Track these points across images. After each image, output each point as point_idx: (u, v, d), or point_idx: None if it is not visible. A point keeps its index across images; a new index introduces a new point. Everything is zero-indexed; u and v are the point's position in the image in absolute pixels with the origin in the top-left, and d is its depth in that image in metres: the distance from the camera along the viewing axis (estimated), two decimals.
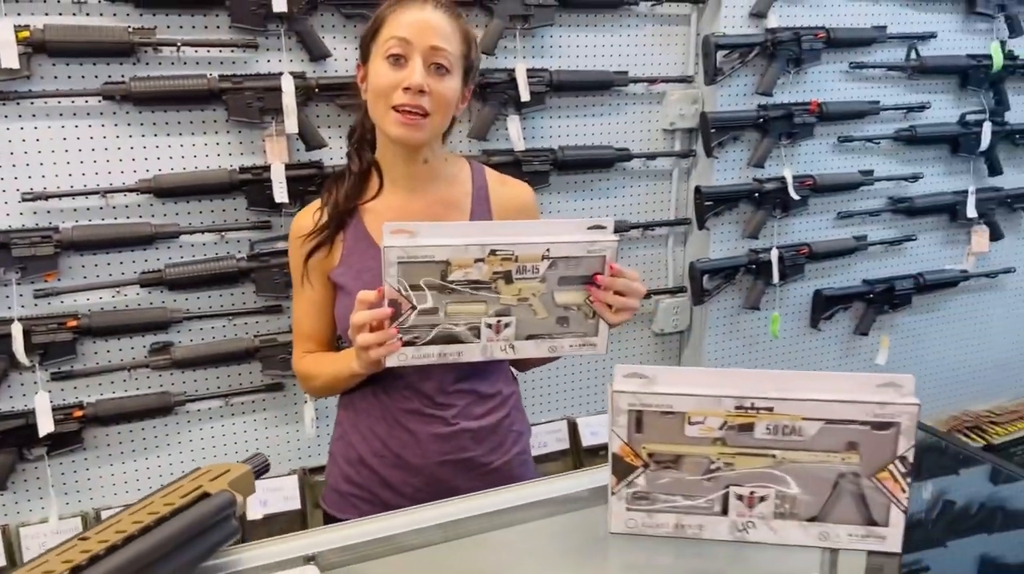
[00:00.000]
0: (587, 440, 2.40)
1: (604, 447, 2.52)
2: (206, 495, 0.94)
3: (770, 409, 0.96)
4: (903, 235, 2.69)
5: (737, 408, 0.97)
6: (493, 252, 1.16)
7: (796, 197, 2.43)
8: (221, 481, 0.97)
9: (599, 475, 1.10)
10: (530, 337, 1.22)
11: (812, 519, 1.00)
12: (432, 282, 1.17)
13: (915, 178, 2.64)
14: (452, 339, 1.21)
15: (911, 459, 0.95)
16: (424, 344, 1.20)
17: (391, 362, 1.21)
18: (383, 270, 1.14)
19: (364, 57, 1.34)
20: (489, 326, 1.20)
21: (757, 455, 0.98)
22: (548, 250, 1.17)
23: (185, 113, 1.88)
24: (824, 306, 2.61)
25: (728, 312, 2.52)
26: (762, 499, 0.99)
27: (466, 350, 1.22)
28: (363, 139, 1.38)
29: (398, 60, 1.25)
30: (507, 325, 1.21)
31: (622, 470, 1.01)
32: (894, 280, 2.68)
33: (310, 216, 1.38)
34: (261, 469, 1.03)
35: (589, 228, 1.17)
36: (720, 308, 2.50)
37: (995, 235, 2.81)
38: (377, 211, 1.36)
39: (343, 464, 1.42)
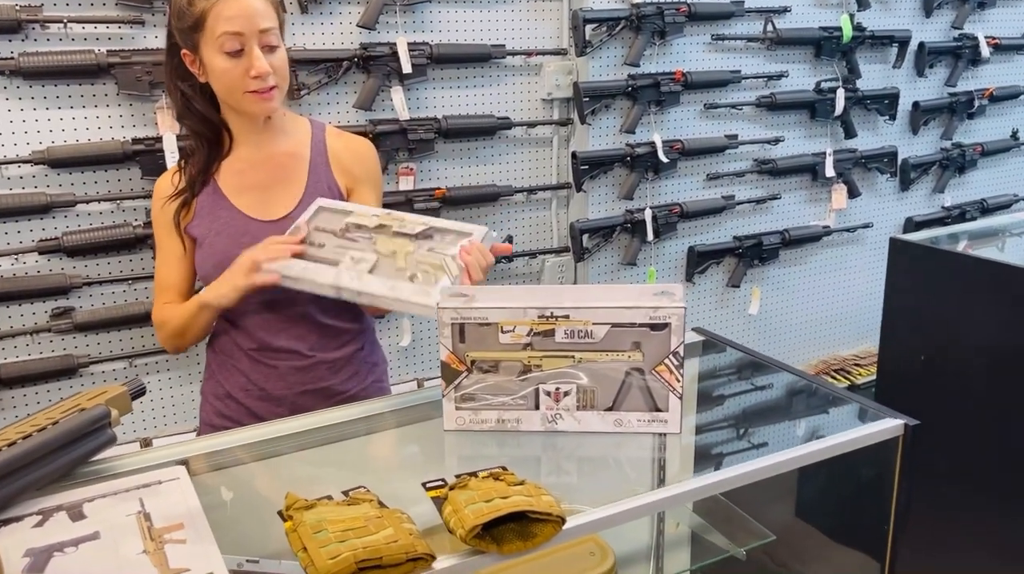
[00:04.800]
0: None
1: None
2: (83, 410, 1.08)
3: (567, 317, 1.15)
4: (768, 194, 2.93)
5: (540, 317, 1.15)
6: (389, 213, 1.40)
7: (666, 160, 2.63)
8: (98, 399, 1.11)
9: (435, 391, 1.28)
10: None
11: (608, 409, 1.18)
12: (327, 228, 1.42)
13: (777, 141, 2.87)
14: (319, 261, 1.39)
15: (682, 353, 1.15)
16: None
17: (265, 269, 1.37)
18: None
19: (187, 45, 1.40)
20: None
21: (559, 357, 1.16)
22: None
23: (76, 87, 1.97)
24: (697, 261, 2.83)
25: (608, 268, 2.73)
26: (566, 394, 1.17)
27: (322, 271, 1.35)
28: (199, 117, 1.48)
29: (237, 52, 1.36)
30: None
31: (450, 375, 1.18)
32: (762, 236, 2.92)
33: (169, 180, 1.52)
34: (137, 391, 1.17)
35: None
36: (600, 265, 2.70)
37: (852, 193, 3.07)
38: (227, 166, 1.50)
39: (213, 400, 1.57)
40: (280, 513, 0.94)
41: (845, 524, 1.42)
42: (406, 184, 2.39)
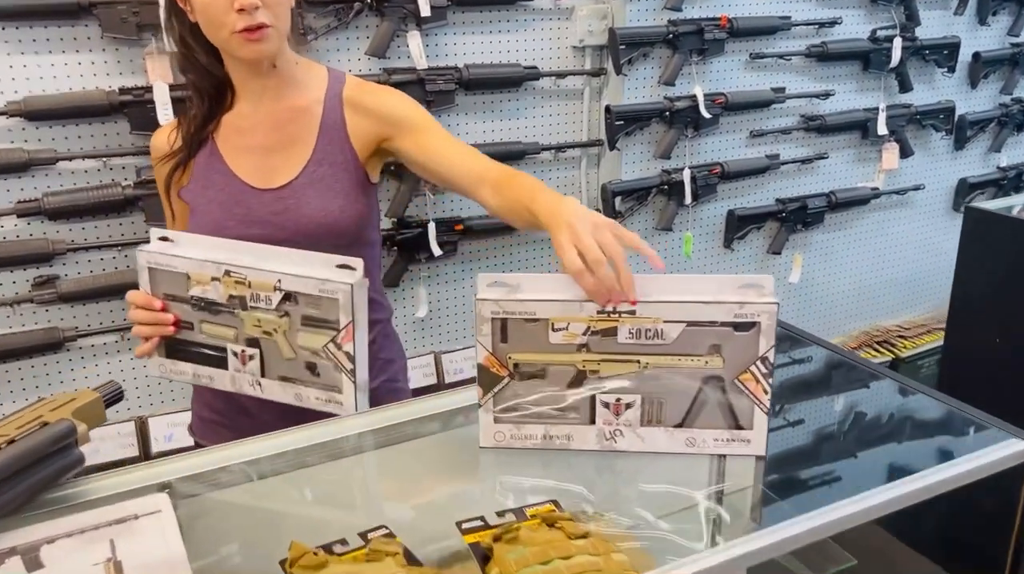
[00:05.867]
0: (451, 376, 2.36)
1: (469, 382, 2.53)
2: (45, 425, 0.89)
3: (632, 312, 0.94)
4: (815, 153, 2.69)
5: (599, 312, 0.95)
6: (228, 273, 1.13)
7: (707, 115, 2.40)
8: (64, 410, 0.92)
9: (469, 394, 1.08)
10: (282, 378, 1.16)
11: (678, 425, 0.99)
12: (174, 294, 1.17)
13: (827, 95, 2.63)
14: (209, 361, 1.19)
15: (772, 359, 0.95)
16: (181, 359, 1.21)
17: (151, 369, 1.24)
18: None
19: None
20: (235, 354, 1.16)
21: (622, 361, 0.96)
22: (280, 281, 1.11)
23: (54, 29, 1.75)
24: (737, 226, 2.61)
25: (642, 234, 2.51)
26: (628, 406, 0.98)
27: (216, 376, 1.20)
28: (200, 71, 1.27)
29: None
30: (252, 358, 1.16)
31: (488, 381, 0.99)
32: (806, 199, 2.70)
33: (164, 137, 1.31)
34: (113, 397, 0.98)
35: (337, 266, 1.10)
36: (633, 229, 2.47)
37: (905, 152, 2.83)
38: (227, 123, 1.29)
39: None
40: (283, 565, 0.76)
41: (948, 542, 1.23)
42: None
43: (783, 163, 2.63)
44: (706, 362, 0.96)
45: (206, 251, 1.15)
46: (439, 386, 2.35)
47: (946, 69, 2.81)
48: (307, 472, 1.04)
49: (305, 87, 1.31)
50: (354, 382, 1.13)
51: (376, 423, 1.13)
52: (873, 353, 2.92)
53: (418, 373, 2.33)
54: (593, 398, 0.98)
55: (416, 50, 2.07)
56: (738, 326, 0.94)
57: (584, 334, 0.95)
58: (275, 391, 1.18)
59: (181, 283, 1.15)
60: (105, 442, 1.99)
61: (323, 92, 1.31)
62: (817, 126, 2.64)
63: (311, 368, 1.15)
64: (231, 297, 1.13)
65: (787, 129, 2.62)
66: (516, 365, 0.97)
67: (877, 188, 2.83)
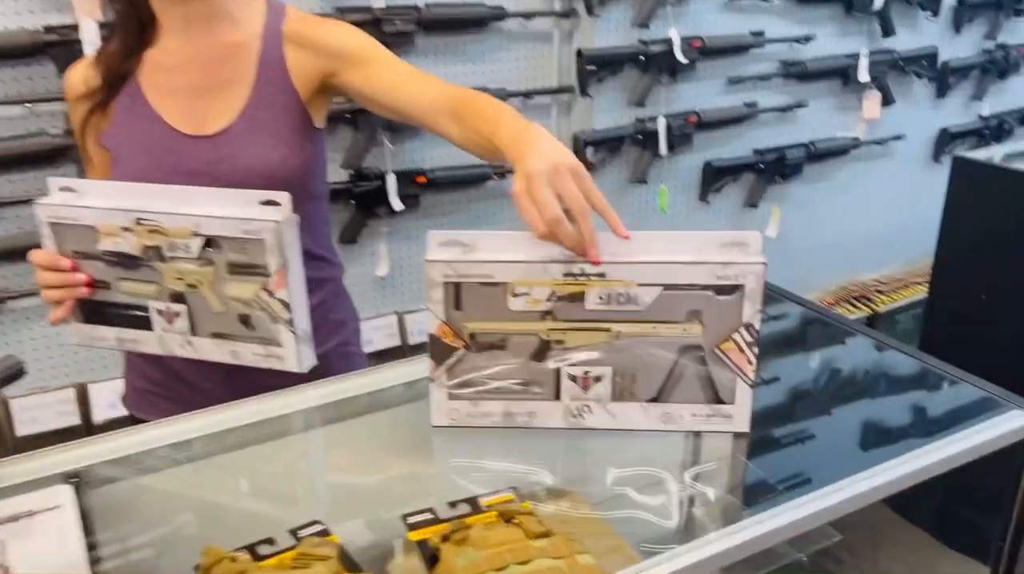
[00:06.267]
0: (415, 338, 2.25)
1: None
2: None
3: (602, 275, 0.84)
4: (794, 101, 2.58)
5: (566, 275, 0.84)
6: (139, 221, 0.99)
7: (684, 60, 2.27)
8: None
9: (421, 365, 0.97)
10: (215, 335, 1.04)
11: (653, 400, 0.89)
12: (83, 250, 1.03)
13: (807, 39, 2.51)
14: (133, 322, 1.06)
15: (758, 327, 0.85)
16: (101, 323, 1.07)
17: (70, 336, 1.10)
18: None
19: None
20: (160, 313, 1.04)
21: (590, 330, 0.86)
22: (197, 225, 0.98)
23: None
24: (713, 178, 2.51)
25: (614, 186, 2.40)
26: (597, 380, 0.87)
27: (142, 339, 1.07)
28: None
29: None
30: (178, 315, 1.04)
31: (441, 353, 0.88)
32: (785, 149, 2.60)
33: (79, 74, 1.16)
34: (9, 374, 0.86)
35: (261, 203, 0.97)
36: (606, 182, 2.37)
37: (887, 100, 2.73)
38: (151, 60, 1.15)
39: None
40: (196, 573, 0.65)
41: (941, 515, 1.16)
42: None
43: (761, 111, 2.52)
44: (684, 330, 0.85)
45: (113, 199, 1.01)
46: (402, 348, 2.24)
47: (930, 12, 2.70)
48: (243, 454, 0.93)
49: (240, 20, 1.16)
50: (294, 333, 1.01)
51: (325, 397, 1.02)
52: (851, 308, 2.86)
53: (380, 334, 2.22)
54: (558, 371, 0.87)
55: None
56: (720, 289, 0.83)
57: (548, 300, 0.85)
58: (209, 350, 1.06)
59: (89, 237, 1.02)
60: (43, 410, 1.87)
61: (261, 26, 1.17)
62: (797, 72, 2.53)
63: (245, 321, 1.03)
64: (146, 248, 1.00)
65: (766, 75, 2.50)
66: (472, 335, 0.87)
67: (857, 138, 2.73)
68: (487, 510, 0.74)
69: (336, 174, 2.04)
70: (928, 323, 1.88)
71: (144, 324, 1.05)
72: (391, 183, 2.05)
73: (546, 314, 0.85)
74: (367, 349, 2.21)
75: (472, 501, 0.76)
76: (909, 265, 3.05)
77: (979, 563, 1.01)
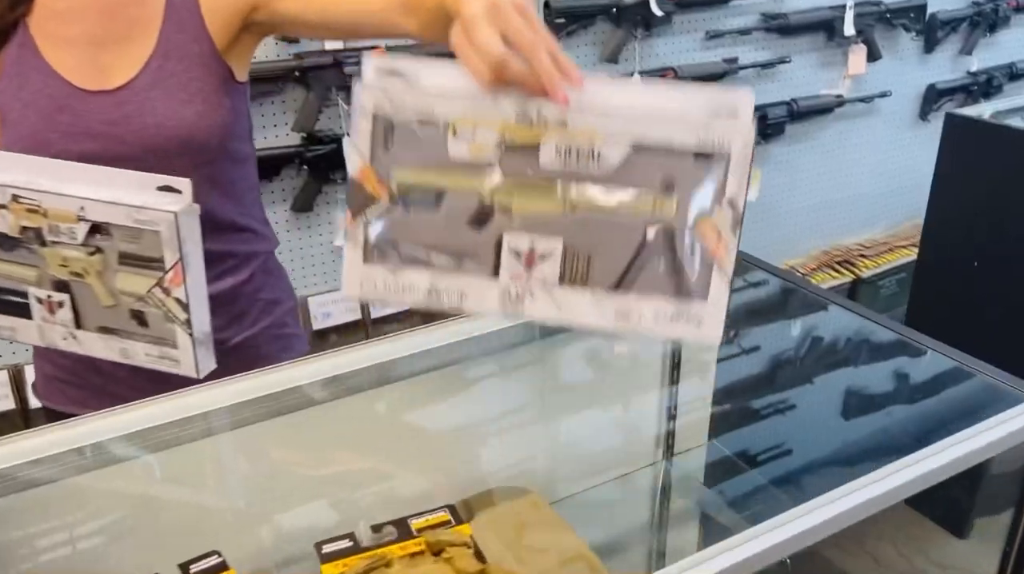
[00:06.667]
0: (377, 310, 2.13)
1: (400, 318, 2.30)
2: None
3: (563, 123, 0.69)
4: (776, 57, 2.45)
5: (520, 118, 0.69)
6: (16, 198, 0.86)
7: (659, 13, 2.13)
8: None
9: (383, 348, 0.84)
10: (102, 330, 0.92)
11: (613, 288, 0.73)
12: None
13: None
14: (9, 308, 0.92)
15: (741, 207, 0.70)
16: None
17: None
18: None
19: None
20: (40, 301, 0.91)
21: (542, 193, 0.71)
22: (83, 209, 0.85)
23: None
24: None
25: None
26: (545, 257, 0.72)
27: (20, 328, 0.93)
28: None
29: None
30: (61, 305, 0.91)
31: (361, 202, 0.71)
32: (766, 107, 2.47)
33: None
34: None
35: (159, 189, 0.85)
36: None
37: (873, 55, 2.61)
38: (44, 6, 1.00)
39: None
40: None
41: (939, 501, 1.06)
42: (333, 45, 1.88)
43: (741, 68, 2.39)
44: (655, 202, 0.70)
45: None
46: (364, 323, 2.11)
47: None
48: (147, 461, 0.81)
49: None
50: (190, 335, 0.89)
51: (255, 390, 0.90)
52: (833, 274, 2.75)
53: (340, 307, 2.09)
54: (499, 242, 0.72)
55: None
56: (701, 155, 0.69)
57: (496, 147, 0.70)
58: (95, 346, 0.93)
59: None
60: None
61: None
62: (779, 26, 2.40)
63: (138, 317, 0.90)
64: (24, 229, 0.87)
65: (746, 29, 2.36)
66: (400, 185, 0.71)
67: (841, 95, 2.61)
68: (417, 535, 0.61)
69: (287, 138, 1.90)
70: (916, 292, 1.78)
71: (23, 311, 0.92)
72: (347, 146, 1.91)
73: (490, 166, 0.71)
74: (325, 323, 2.09)
75: (401, 523, 0.64)
76: (893, 228, 2.95)
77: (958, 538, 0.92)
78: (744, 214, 0.69)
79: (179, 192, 0.84)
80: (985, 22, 2.81)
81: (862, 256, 2.82)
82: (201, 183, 0.89)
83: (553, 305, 0.73)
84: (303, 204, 1.95)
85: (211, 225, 1.02)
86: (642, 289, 0.72)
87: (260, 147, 1.88)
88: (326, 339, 2.08)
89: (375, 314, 2.13)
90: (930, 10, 2.67)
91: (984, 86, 2.90)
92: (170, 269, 0.85)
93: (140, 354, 0.90)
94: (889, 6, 2.56)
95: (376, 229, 0.72)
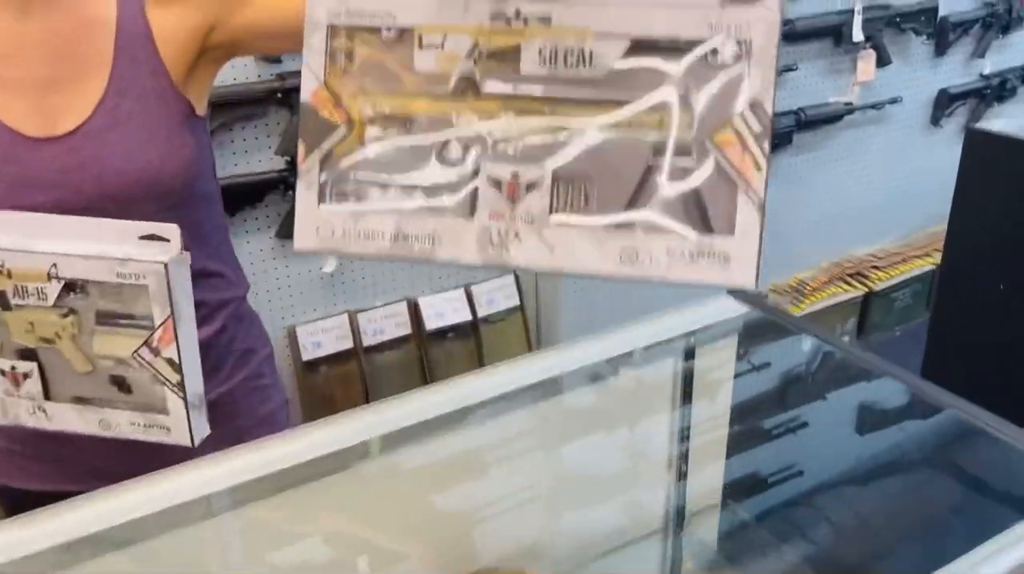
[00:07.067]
0: (368, 338, 2.04)
1: (452, 329, 2.23)
2: None
3: (546, 19, 0.57)
4: (783, 65, 2.35)
5: (494, 18, 0.58)
6: None
7: None
8: None
9: (385, 417, 0.75)
10: (77, 400, 0.83)
11: (613, 226, 0.58)
12: None
13: None
14: None
15: (770, 109, 0.54)
16: None
17: None
18: None
19: None
20: (3, 373, 0.82)
21: (524, 107, 0.58)
22: (55, 266, 0.77)
23: None
24: None
25: None
26: (531, 187, 0.58)
27: None
28: None
29: None
30: (28, 375, 0.82)
31: (317, 131, 0.60)
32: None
33: None
34: None
35: (142, 238, 0.77)
36: None
37: (882, 60, 2.51)
38: None
39: None
40: None
41: None
42: None
43: None
44: (662, 111, 0.57)
45: None
46: (355, 351, 2.03)
47: None
48: (139, 550, 0.72)
49: None
50: (184, 398, 0.81)
51: (245, 470, 0.81)
52: (845, 287, 2.66)
53: (330, 336, 2.01)
54: (476, 173, 0.59)
55: None
56: (715, 52, 0.55)
57: (469, 57, 0.59)
58: (68, 419, 0.85)
59: None
60: None
61: None
62: (785, 32, 2.30)
63: (119, 383, 0.82)
64: None
65: None
66: (360, 108, 0.60)
67: (851, 103, 2.51)
68: None
69: (271, 162, 1.81)
70: (937, 319, 1.68)
71: None
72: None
73: (464, 84, 0.59)
74: (315, 353, 2.00)
75: None
76: (906, 237, 2.85)
77: None
78: (773, 122, 0.55)
79: (166, 240, 0.76)
80: (998, 23, 2.71)
81: (875, 268, 2.72)
82: None
83: (544, 247, 0.58)
84: (289, 230, 1.85)
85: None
86: (651, 222, 0.57)
87: (242, 173, 1.79)
88: (316, 370, 2.00)
89: (367, 342, 2.04)
90: (941, 12, 2.58)
91: (997, 89, 2.81)
92: (160, 326, 0.76)
93: (123, 424, 0.81)
94: (899, 10, 2.47)
95: (333, 164, 0.60)
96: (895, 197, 2.78)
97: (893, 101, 2.60)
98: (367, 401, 2.09)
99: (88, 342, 0.81)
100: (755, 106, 0.54)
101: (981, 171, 1.56)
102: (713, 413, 1.05)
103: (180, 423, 0.82)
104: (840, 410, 1.14)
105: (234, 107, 1.72)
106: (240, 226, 1.82)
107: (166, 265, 0.76)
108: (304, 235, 0.61)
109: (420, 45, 0.59)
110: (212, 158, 1.05)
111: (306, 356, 1.97)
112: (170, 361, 0.80)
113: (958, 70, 2.75)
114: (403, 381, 2.10)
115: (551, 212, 0.57)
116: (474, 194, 0.58)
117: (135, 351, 0.80)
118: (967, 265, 1.60)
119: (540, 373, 0.88)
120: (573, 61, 0.57)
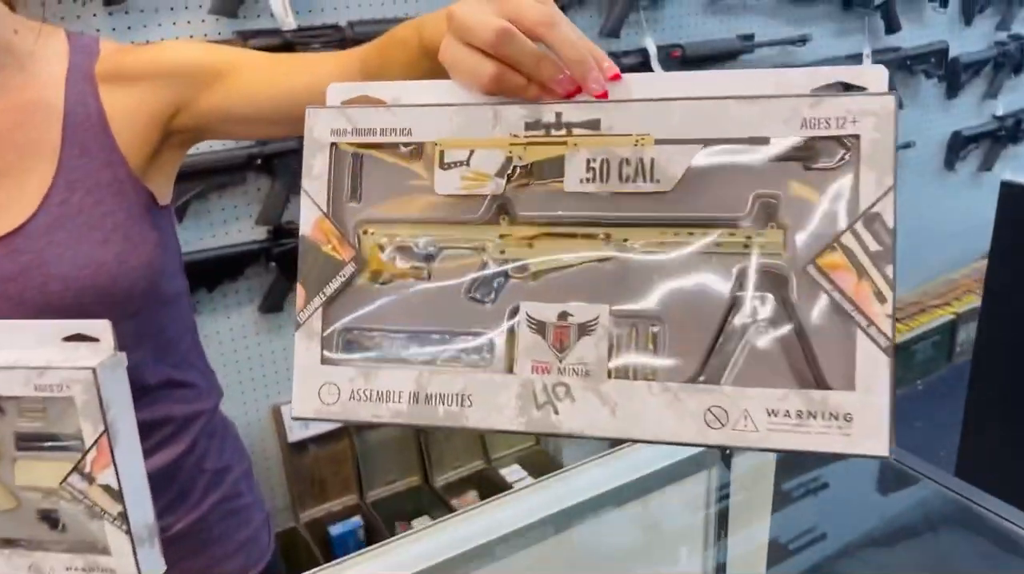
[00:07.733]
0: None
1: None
2: None
3: (595, 123, 0.46)
4: None
5: (530, 127, 0.47)
6: None
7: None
8: None
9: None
10: (2, 542, 0.71)
11: (690, 380, 0.44)
12: None
13: (803, 41, 2.18)
14: None
15: (891, 221, 0.42)
16: None
17: None
18: None
19: None
20: None
21: (571, 234, 0.46)
22: None
23: None
24: None
25: None
26: (584, 331, 0.46)
27: None
28: None
29: None
30: None
31: (318, 272, 0.49)
32: None
33: None
34: None
35: (66, 339, 0.64)
36: None
37: None
38: None
39: None
40: None
41: None
42: None
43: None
44: (748, 237, 0.44)
45: None
46: (346, 429, 1.89)
47: (938, 3, 2.38)
48: None
49: (31, 67, 0.81)
50: (127, 532, 0.67)
51: None
52: None
53: None
54: (514, 314, 0.47)
55: (279, 5, 1.57)
56: (812, 153, 0.42)
57: (500, 175, 0.47)
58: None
59: None
60: None
61: (63, 71, 0.82)
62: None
63: (49, 519, 0.68)
64: None
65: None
66: (371, 243, 0.49)
67: None
68: None
69: (252, 231, 1.70)
70: (975, 390, 1.55)
71: None
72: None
73: (498, 208, 0.47)
74: (302, 434, 1.86)
75: None
76: (923, 286, 2.73)
77: None
78: (896, 233, 0.42)
79: (95, 340, 0.62)
80: (1010, 63, 2.62)
81: (895, 319, 2.60)
82: (126, 339, 0.66)
83: (603, 407, 0.45)
84: (272, 304, 1.73)
85: (141, 389, 0.80)
86: (744, 374, 0.43)
87: (221, 244, 1.67)
88: (304, 451, 1.86)
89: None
90: (952, 54, 2.49)
91: (1012, 130, 2.71)
92: (91, 447, 0.63)
93: (58, 570, 0.68)
94: (909, 52, 2.37)
95: (339, 310, 0.49)
96: (911, 245, 2.66)
97: (906, 146, 2.50)
98: (360, 484, 1.94)
99: (8, 472, 0.67)
100: (870, 219, 0.42)
101: (1017, 227, 1.45)
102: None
103: (126, 562, 0.68)
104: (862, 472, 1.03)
105: (211, 175, 1.60)
106: (220, 301, 1.69)
107: (95, 370, 0.62)
108: (304, 399, 0.49)
109: (442, 163, 0.48)
110: (178, 250, 0.92)
111: (292, 437, 1.83)
112: (107, 488, 0.66)
113: (971, 111, 2.66)
114: (399, 461, 1.96)
115: (609, 357, 0.45)
116: (512, 341, 0.47)
117: (63, 479, 0.66)
118: (1006, 334, 1.48)
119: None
120: (630, 173, 0.45)
